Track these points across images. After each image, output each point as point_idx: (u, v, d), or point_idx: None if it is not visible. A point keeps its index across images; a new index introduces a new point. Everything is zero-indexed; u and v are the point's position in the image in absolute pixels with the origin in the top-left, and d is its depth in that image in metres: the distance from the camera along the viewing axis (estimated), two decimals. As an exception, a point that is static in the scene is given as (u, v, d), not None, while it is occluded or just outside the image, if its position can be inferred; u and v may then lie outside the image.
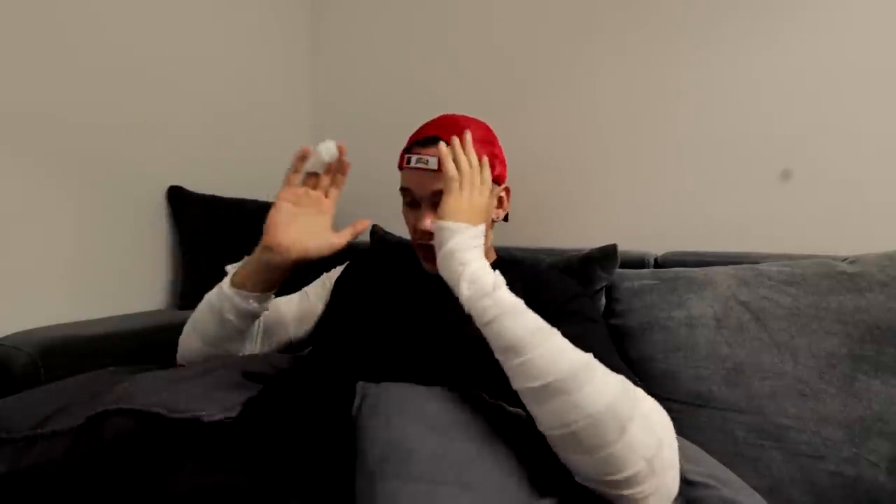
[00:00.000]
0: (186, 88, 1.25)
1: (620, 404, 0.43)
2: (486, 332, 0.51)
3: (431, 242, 0.72)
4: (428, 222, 0.71)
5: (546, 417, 0.45)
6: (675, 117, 1.04)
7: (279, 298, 0.85)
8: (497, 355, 0.50)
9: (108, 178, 1.09)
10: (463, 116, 0.79)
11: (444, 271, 0.57)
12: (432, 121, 0.79)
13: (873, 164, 0.87)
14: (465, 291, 0.52)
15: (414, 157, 0.72)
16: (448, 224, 0.58)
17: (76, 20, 1.02)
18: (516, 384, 0.47)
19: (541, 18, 1.20)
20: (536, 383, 0.45)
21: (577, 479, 0.45)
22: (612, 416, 0.42)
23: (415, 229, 0.74)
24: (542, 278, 0.73)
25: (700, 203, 1.02)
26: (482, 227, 0.60)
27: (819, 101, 0.91)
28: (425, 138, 0.74)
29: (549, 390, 0.44)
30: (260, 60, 1.46)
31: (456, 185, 0.62)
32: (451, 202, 0.60)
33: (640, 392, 0.47)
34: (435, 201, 0.70)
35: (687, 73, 1.03)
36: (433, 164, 0.70)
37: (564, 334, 0.59)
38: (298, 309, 0.84)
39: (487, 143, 0.77)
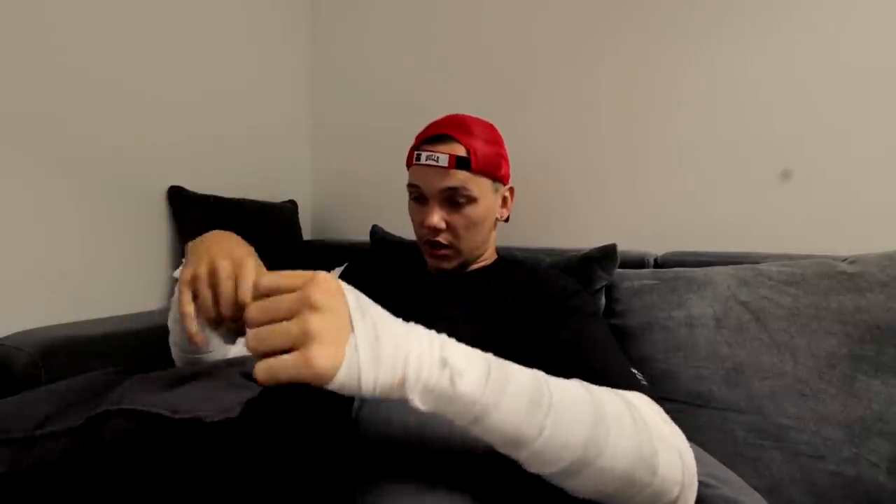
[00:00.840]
0: (187, 88, 1.25)
1: (642, 446, 0.40)
2: (472, 431, 0.39)
3: (438, 239, 0.74)
4: (436, 219, 0.72)
5: (576, 488, 0.41)
6: (675, 117, 1.04)
7: None
8: (516, 455, 0.40)
9: (109, 178, 1.09)
10: (469, 116, 0.80)
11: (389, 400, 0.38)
12: (441, 119, 0.80)
13: (873, 164, 0.87)
14: (422, 407, 0.37)
15: (424, 154, 0.73)
16: (335, 382, 0.34)
17: (77, 21, 1.02)
18: (529, 469, 0.40)
19: (540, 19, 1.20)
20: (554, 469, 0.39)
21: None
22: (640, 463, 0.40)
23: (422, 225, 0.75)
24: (539, 277, 0.74)
25: (700, 203, 1.02)
26: (356, 324, 0.36)
27: (819, 101, 0.91)
28: (435, 135, 0.75)
29: (570, 470, 0.39)
30: (260, 60, 1.46)
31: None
32: (314, 349, 0.33)
33: (637, 403, 0.46)
34: (444, 197, 0.73)
35: (687, 74, 1.03)
36: (443, 160, 0.71)
37: (567, 333, 0.60)
38: None
39: (493, 143, 0.78)
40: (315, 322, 0.33)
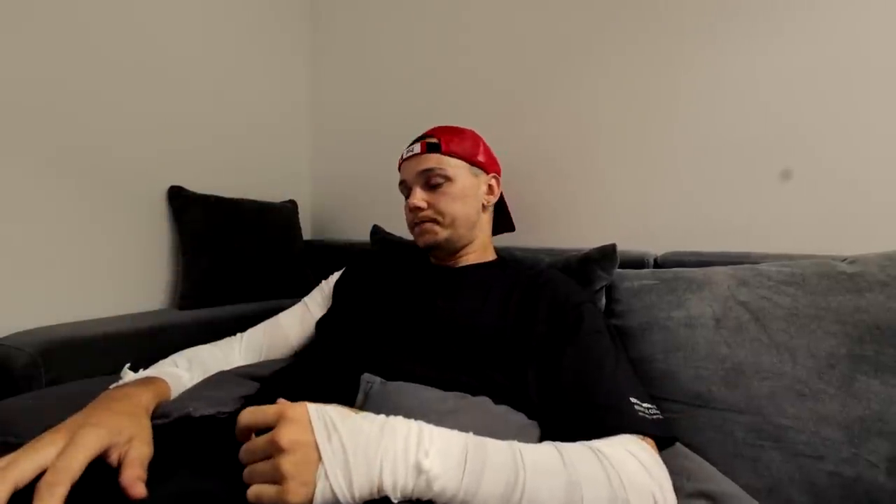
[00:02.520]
0: (187, 89, 1.25)
1: (616, 501, 0.44)
2: None
3: (422, 217, 0.80)
4: (417, 199, 0.79)
5: None
6: (675, 117, 1.04)
7: (280, 317, 0.86)
8: None
9: (109, 178, 1.09)
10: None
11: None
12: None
13: (874, 164, 0.87)
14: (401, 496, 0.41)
15: (405, 151, 0.84)
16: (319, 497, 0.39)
17: (79, 21, 1.02)
18: None
19: (538, 21, 1.19)
20: None
21: None
22: None
23: (409, 209, 0.82)
24: (545, 281, 0.74)
25: (700, 203, 1.02)
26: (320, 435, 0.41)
27: (819, 101, 0.91)
28: (419, 136, 0.84)
29: None
30: (260, 61, 1.46)
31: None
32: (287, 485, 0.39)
33: (617, 456, 0.48)
34: (423, 181, 0.81)
35: (686, 74, 1.03)
36: (417, 148, 0.81)
37: (569, 360, 0.61)
38: (301, 324, 0.86)
39: (467, 137, 0.85)
40: (285, 464, 0.39)
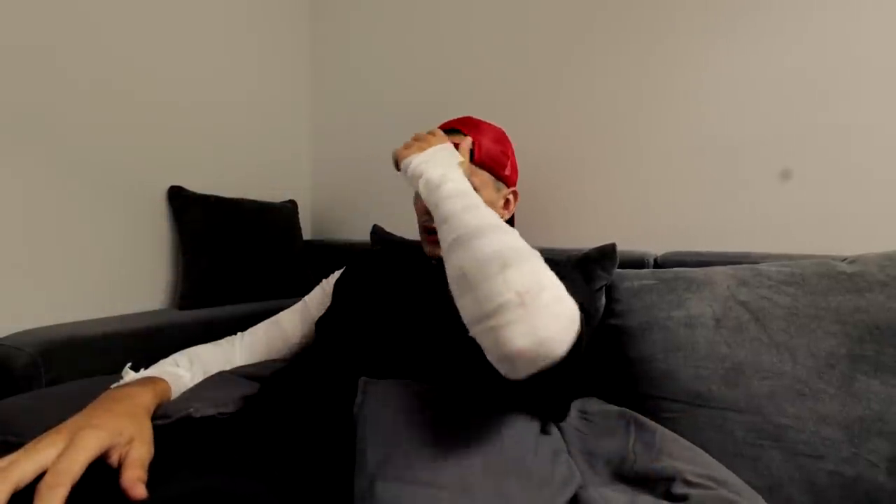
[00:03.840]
0: (187, 89, 1.25)
1: (509, 253, 0.46)
2: (436, 216, 0.57)
3: (434, 225, 0.76)
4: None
5: (449, 266, 0.50)
6: (675, 117, 1.04)
7: (280, 317, 0.86)
8: (440, 233, 0.54)
9: (109, 178, 1.09)
10: (482, 120, 0.83)
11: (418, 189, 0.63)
12: (454, 119, 0.82)
13: (874, 164, 0.87)
14: (423, 192, 0.61)
15: None
16: (409, 164, 0.65)
17: (78, 21, 1.02)
18: (443, 249, 0.52)
19: (540, 20, 1.19)
20: (448, 239, 0.51)
21: (469, 332, 0.47)
22: (496, 257, 0.46)
23: (421, 212, 0.80)
24: None
25: (700, 203, 1.02)
26: (432, 152, 0.66)
27: (819, 101, 0.91)
28: (445, 130, 0.78)
29: (456, 244, 0.50)
30: (260, 61, 1.46)
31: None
32: (410, 150, 0.67)
33: (548, 277, 0.47)
34: None
35: (687, 74, 1.03)
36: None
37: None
38: (301, 323, 0.85)
39: (500, 142, 0.80)
40: (423, 145, 0.67)
